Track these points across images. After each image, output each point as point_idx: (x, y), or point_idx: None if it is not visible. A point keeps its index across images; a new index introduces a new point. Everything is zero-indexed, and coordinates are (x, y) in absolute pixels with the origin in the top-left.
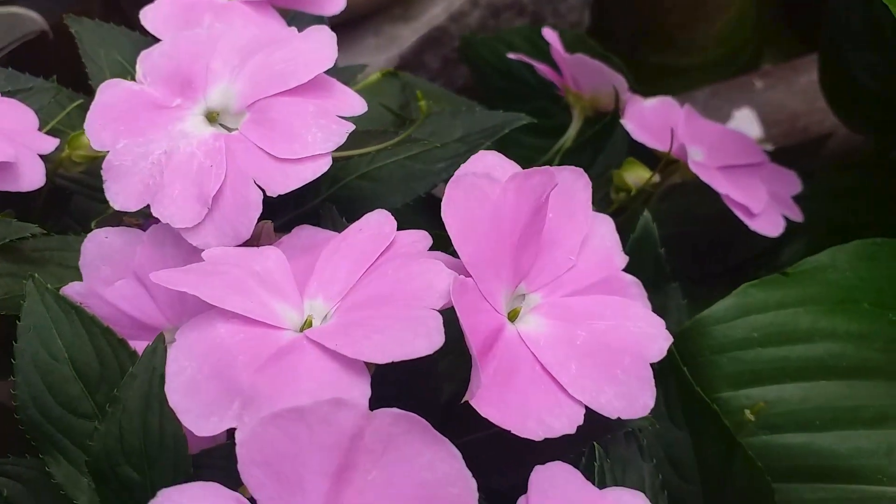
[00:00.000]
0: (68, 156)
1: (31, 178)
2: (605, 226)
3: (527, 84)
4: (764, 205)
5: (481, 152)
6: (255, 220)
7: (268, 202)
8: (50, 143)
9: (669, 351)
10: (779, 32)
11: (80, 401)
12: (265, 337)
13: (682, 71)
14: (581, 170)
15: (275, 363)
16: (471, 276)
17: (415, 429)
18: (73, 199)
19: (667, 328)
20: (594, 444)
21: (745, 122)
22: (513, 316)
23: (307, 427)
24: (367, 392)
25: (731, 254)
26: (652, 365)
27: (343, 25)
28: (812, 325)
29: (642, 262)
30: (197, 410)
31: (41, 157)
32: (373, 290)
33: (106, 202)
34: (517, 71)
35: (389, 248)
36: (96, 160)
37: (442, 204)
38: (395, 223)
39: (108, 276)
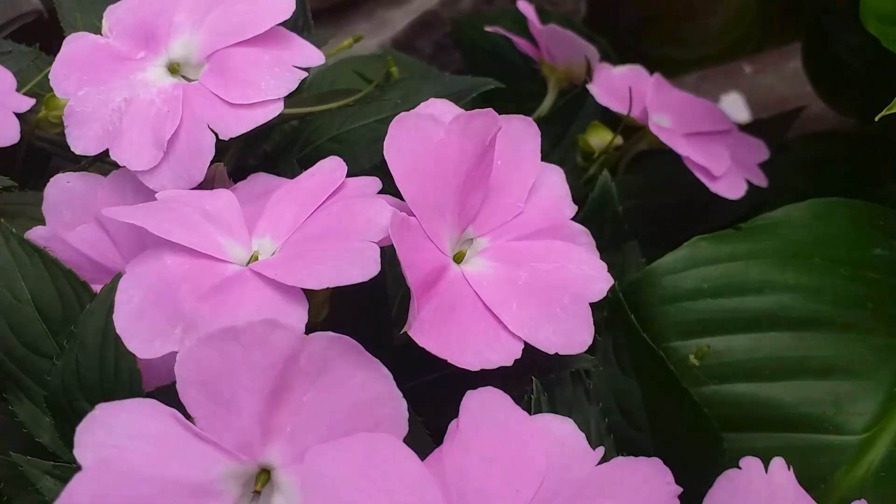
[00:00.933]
0: (45, 116)
1: (7, 133)
2: (555, 175)
3: (516, 67)
4: (726, 168)
5: (431, 100)
6: (208, 164)
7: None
8: (26, 103)
9: (618, 300)
10: (780, 24)
11: (43, 341)
12: (210, 269)
13: (683, 64)
14: (530, 119)
15: (217, 292)
16: (415, 216)
17: (349, 351)
18: (51, 160)
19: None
20: (533, 379)
21: (733, 106)
22: (459, 258)
23: (241, 347)
24: (304, 318)
25: (702, 224)
26: (601, 314)
27: (335, 9)
28: (762, 277)
29: (602, 221)
30: (141, 335)
31: (18, 116)
32: (317, 227)
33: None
34: (507, 54)
35: (338, 192)
36: None
37: (384, 143)
38: (345, 169)
39: (70, 221)
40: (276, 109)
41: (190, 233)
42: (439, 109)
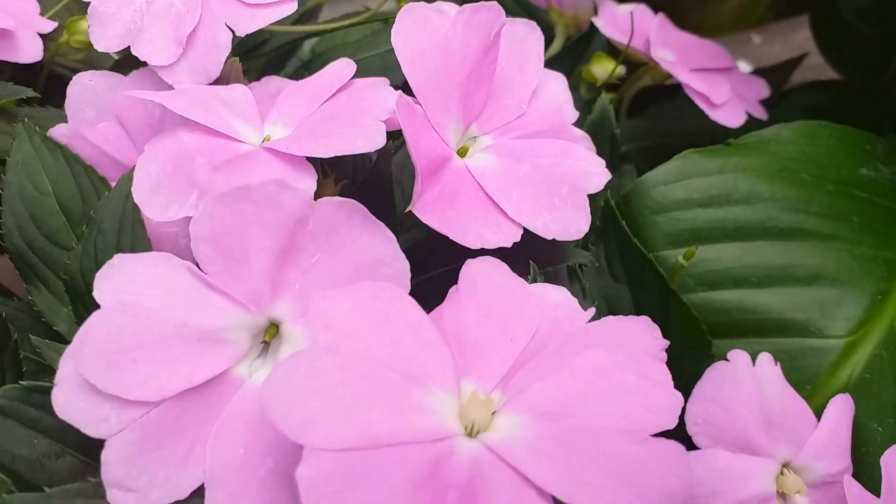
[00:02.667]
0: (66, 41)
1: (30, 51)
2: (558, 82)
3: (525, 12)
4: (726, 98)
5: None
6: (224, 59)
7: None
8: (48, 25)
9: (610, 210)
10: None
11: (62, 233)
12: (224, 146)
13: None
14: (534, 23)
15: (230, 165)
16: (420, 105)
17: (356, 214)
18: None
19: None
20: (530, 263)
21: None
22: (463, 152)
23: (253, 205)
24: (313, 187)
25: None
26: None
27: None
28: (751, 189)
29: (599, 143)
30: (159, 203)
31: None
32: (326, 113)
33: None
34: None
35: (347, 87)
36: (94, 48)
37: (392, 32)
38: (354, 68)
39: (91, 118)
40: (290, 8)
41: (207, 113)
42: (446, 5)
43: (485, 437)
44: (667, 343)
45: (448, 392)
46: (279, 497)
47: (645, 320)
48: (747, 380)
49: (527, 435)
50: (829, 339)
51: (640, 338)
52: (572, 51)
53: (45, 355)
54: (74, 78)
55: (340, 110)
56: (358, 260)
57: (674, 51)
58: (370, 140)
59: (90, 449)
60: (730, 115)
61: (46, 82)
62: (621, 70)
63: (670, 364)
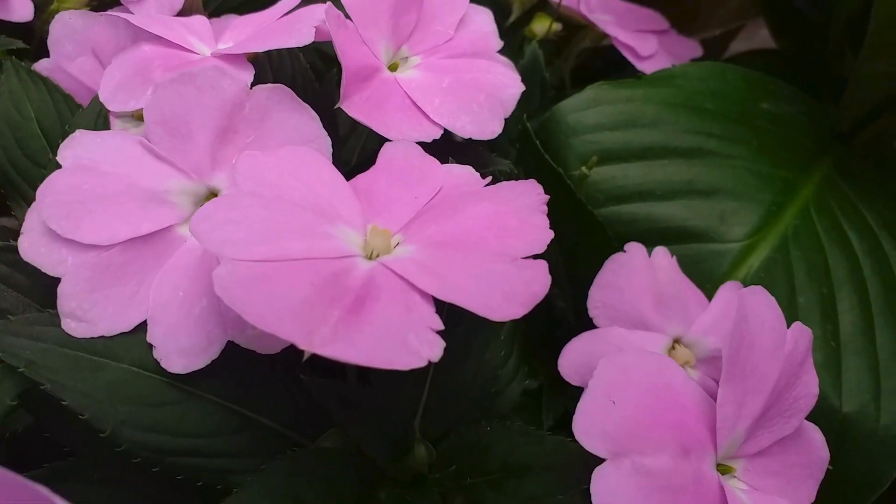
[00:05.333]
0: (57, 7)
1: (21, 10)
2: (484, 14)
3: None
4: (652, 51)
5: None
6: None
7: None
8: None
9: (527, 132)
10: None
11: (43, 155)
12: (179, 55)
13: None
14: None
15: (182, 67)
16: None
17: (285, 98)
18: None
19: None
20: (449, 158)
21: None
22: (393, 67)
23: (196, 89)
24: (250, 79)
25: None
26: (514, 148)
27: None
28: (656, 115)
29: (531, 87)
30: (120, 98)
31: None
32: (269, 28)
33: None
34: None
35: (292, 13)
36: None
37: None
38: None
39: (70, 53)
40: None
41: (167, 29)
42: None
43: (381, 259)
44: (547, 197)
45: (354, 229)
46: (210, 330)
47: (531, 182)
48: (642, 267)
49: (416, 257)
50: (728, 243)
51: (526, 195)
52: (524, 18)
53: None
54: (56, 17)
55: (280, 26)
56: (287, 136)
57: (612, 15)
58: (299, 37)
59: (53, 306)
60: (656, 67)
61: (38, 47)
62: (557, 26)
63: (583, 271)
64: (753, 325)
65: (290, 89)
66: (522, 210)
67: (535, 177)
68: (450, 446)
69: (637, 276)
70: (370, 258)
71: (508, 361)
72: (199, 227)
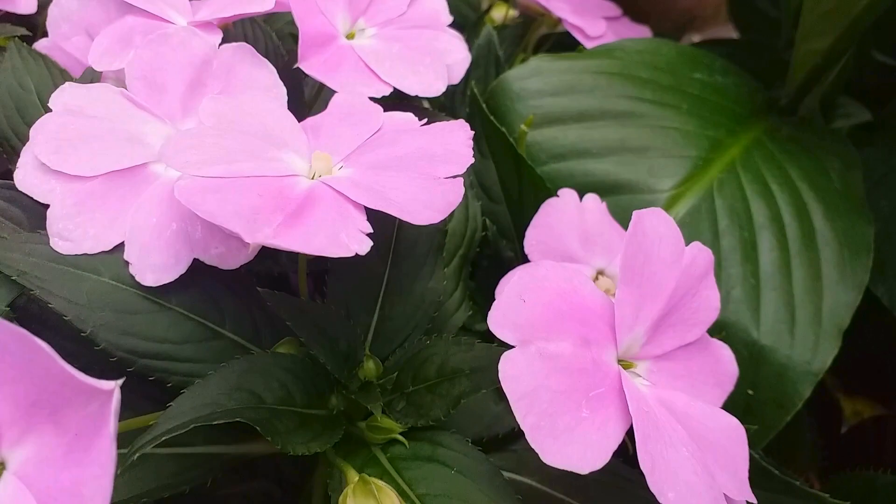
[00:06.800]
0: None
1: (26, 3)
2: None
3: None
4: (601, 32)
5: None
6: None
7: None
8: None
9: (475, 97)
10: None
11: None
12: (159, 26)
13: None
14: None
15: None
16: None
17: (248, 54)
18: None
19: None
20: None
21: None
22: (350, 37)
23: (170, 48)
24: (218, 41)
25: None
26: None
27: None
28: (594, 83)
29: (486, 64)
30: (105, 61)
31: None
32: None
33: None
34: None
35: None
36: None
37: None
38: None
39: (66, 33)
40: None
41: (149, 3)
42: None
43: (322, 178)
44: (472, 133)
45: (300, 156)
46: (178, 249)
47: (460, 122)
48: (572, 209)
49: (352, 176)
50: (656, 193)
51: (457, 134)
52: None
53: None
54: (54, 1)
55: None
56: (249, 87)
57: (568, 4)
58: (261, 5)
59: None
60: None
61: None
62: (514, 13)
63: (525, 217)
64: (650, 238)
65: (252, 47)
66: (450, 143)
67: (483, 139)
68: (395, 359)
69: (567, 217)
70: (313, 179)
71: (454, 294)
72: (166, 152)
